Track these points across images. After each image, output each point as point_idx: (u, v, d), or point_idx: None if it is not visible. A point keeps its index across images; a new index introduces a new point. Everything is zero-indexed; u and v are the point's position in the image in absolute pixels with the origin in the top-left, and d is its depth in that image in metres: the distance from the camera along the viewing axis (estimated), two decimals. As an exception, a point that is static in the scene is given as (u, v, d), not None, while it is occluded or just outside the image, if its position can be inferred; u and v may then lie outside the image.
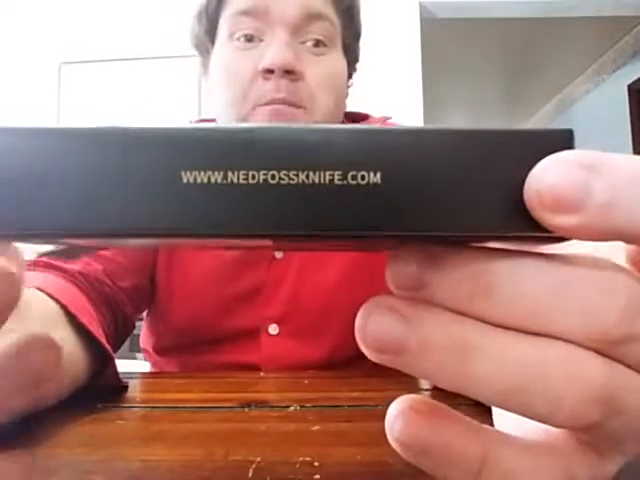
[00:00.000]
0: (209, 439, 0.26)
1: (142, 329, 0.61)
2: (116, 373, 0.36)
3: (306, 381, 0.40)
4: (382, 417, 0.12)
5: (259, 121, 0.49)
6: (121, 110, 2.17)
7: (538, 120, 4.33)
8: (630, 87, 3.01)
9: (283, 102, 0.48)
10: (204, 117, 0.67)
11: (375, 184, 0.11)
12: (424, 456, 0.12)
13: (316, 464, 0.21)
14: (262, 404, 0.33)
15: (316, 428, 0.27)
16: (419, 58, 2.10)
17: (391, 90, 2.00)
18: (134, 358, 1.44)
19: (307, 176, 0.11)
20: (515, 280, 0.11)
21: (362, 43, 0.59)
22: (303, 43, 0.50)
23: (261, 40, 0.49)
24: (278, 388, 0.41)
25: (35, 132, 0.11)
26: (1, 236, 0.11)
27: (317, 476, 0.20)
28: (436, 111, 3.94)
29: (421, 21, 2.13)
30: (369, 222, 0.11)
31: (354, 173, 0.11)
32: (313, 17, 0.49)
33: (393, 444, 0.12)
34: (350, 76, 0.58)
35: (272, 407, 0.32)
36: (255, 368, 0.52)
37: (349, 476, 0.21)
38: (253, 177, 0.11)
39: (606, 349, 0.11)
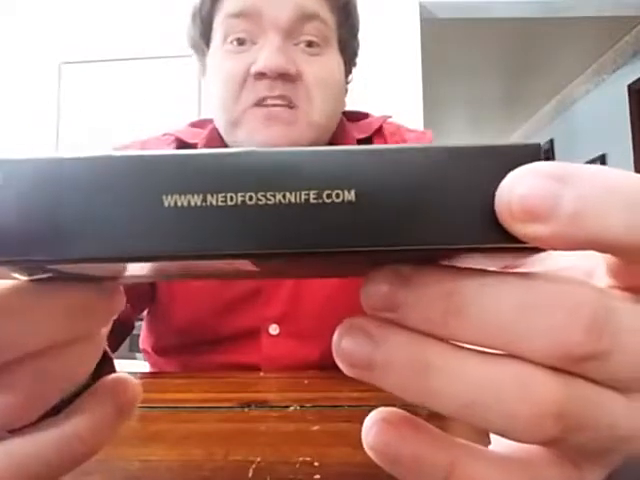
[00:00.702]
0: (209, 439, 0.26)
1: (142, 329, 0.61)
2: (112, 367, 0.36)
3: (306, 381, 0.40)
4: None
5: (252, 124, 0.49)
6: (121, 110, 2.17)
7: (538, 120, 4.33)
8: (630, 87, 3.01)
9: (279, 100, 0.48)
10: (203, 117, 0.67)
11: (350, 202, 0.11)
12: (395, 464, 0.12)
13: (316, 464, 0.21)
14: (262, 404, 0.33)
15: (316, 428, 0.27)
16: (419, 58, 2.10)
17: (391, 90, 2.00)
18: (134, 358, 1.44)
19: (283, 196, 0.11)
20: (483, 300, 0.11)
21: (362, 43, 0.59)
22: (297, 45, 0.49)
23: (254, 43, 0.49)
24: (278, 388, 0.41)
25: (12, 162, 0.12)
26: None
27: (317, 476, 0.20)
28: (436, 111, 3.94)
29: (421, 21, 2.13)
30: (345, 239, 0.11)
31: (329, 192, 0.11)
32: (305, 19, 0.49)
33: (368, 452, 0.13)
34: (350, 72, 0.58)
35: (272, 407, 0.32)
36: (255, 368, 0.52)
37: (349, 476, 0.21)
38: (231, 199, 0.11)
39: (569, 367, 0.11)
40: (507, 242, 0.11)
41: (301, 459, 0.22)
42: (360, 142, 0.57)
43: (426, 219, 0.11)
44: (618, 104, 3.09)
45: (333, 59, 0.52)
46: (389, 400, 0.13)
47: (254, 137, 0.49)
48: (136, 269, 0.13)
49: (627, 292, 0.13)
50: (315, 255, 0.11)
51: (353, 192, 0.11)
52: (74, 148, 2.17)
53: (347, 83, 0.58)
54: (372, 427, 0.13)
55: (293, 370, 0.50)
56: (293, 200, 0.11)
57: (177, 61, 2.13)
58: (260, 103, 0.48)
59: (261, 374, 0.46)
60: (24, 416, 0.13)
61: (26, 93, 2.24)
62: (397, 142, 0.59)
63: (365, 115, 0.64)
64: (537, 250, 0.11)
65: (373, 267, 0.12)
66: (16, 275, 0.13)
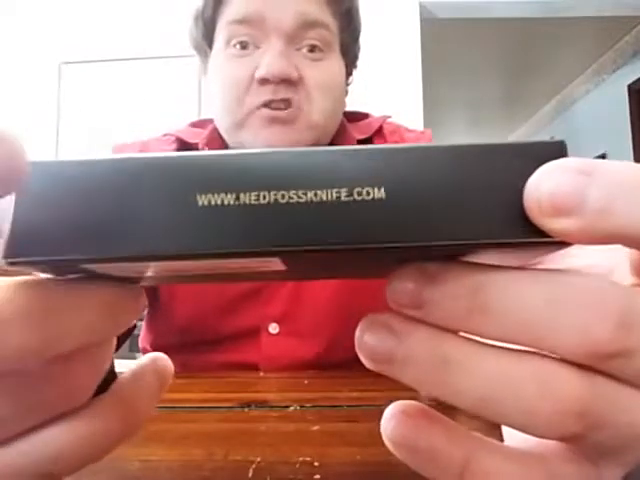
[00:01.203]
0: (209, 439, 0.26)
1: (142, 328, 0.61)
2: (114, 373, 0.36)
3: (306, 381, 0.41)
4: (382, 417, 0.13)
5: (255, 125, 0.50)
6: (121, 110, 2.17)
7: (538, 120, 4.33)
8: (630, 87, 3.01)
9: (281, 103, 0.48)
10: (203, 117, 0.67)
11: (380, 199, 0.11)
12: (412, 455, 0.13)
13: (316, 464, 0.21)
14: (262, 404, 0.33)
15: (316, 428, 0.27)
16: (419, 58, 2.10)
17: (391, 90, 2.00)
18: (134, 358, 1.44)
19: (315, 194, 0.11)
20: (509, 296, 0.11)
21: (362, 43, 0.59)
22: (299, 50, 0.50)
23: (257, 47, 0.50)
24: (278, 388, 0.41)
25: (49, 165, 0.12)
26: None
27: (317, 476, 0.20)
28: (436, 111, 3.94)
29: (421, 21, 2.12)
30: (376, 235, 0.11)
31: (359, 189, 0.11)
32: (308, 25, 0.49)
33: (386, 442, 0.13)
34: (350, 74, 0.58)
35: (272, 407, 0.32)
36: (254, 367, 0.52)
37: (349, 476, 0.21)
38: (264, 197, 0.11)
39: (596, 364, 0.11)
40: (535, 237, 0.11)
41: (301, 459, 0.22)
42: (360, 143, 0.58)
43: (455, 215, 0.11)
44: (618, 104, 3.09)
45: (335, 63, 0.53)
46: (389, 400, 0.13)
47: (257, 138, 0.50)
48: (161, 270, 0.13)
49: None
50: (346, 252, 0.12)
51: (383, 189, 0.11)
52: (74, 148, 2.17)
53: (347, 85, 0.58)
54: (391, 419, 0.13)
55: (292, 369, 0.51)
56: (325, 198, 0.11)
57: (177, 61, 2.13)
58: (264, 106, 0.49)
59: (261, 374, 0.46)
60: (49, 415, 0.13)
61: (26, 93, 2.24)
62: (396, 141, 0.59)
63: (365, 115, 0.64)
64: (564, 244, 0.11)
65: (399, 265, 0.12)
66: (43, 276, 0.13)
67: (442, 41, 2.81)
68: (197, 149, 0.56)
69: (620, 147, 3.06)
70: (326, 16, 0.51)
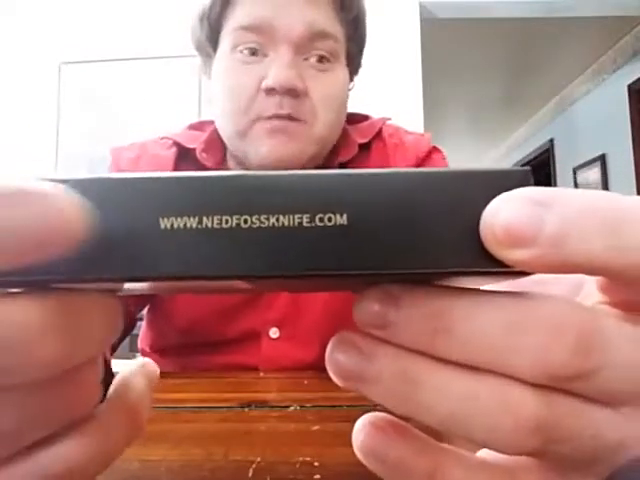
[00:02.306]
0: (209, 439, 0.26)
1: (141, 329, 0.61)
2: (111, 373, 0.36)
3: (306, 381, 0.41)
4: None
5: (258, 136, 0.49)
6: (121, 110, 2.17)
7: (538, 120, 4.33)
8: (630, 87, 3.01)
9: (285, 116, 0.48)
10: (203, 117, 0.67)
11: (342, 225, 0.12)
12: (380, 466, 0.13)
13: (316, 464, 0.21)
14: (262, 404, 0.33)
15: (316, 428, 0.27)
16: (419, 58, 2.10)
17: (391, 90, 2.00)
18: (134, 358, 1.43)
19: (277, 219, 0.11)
20: (470, 321, 0.12)
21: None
22: (307, 59, 0.50)
23: (265, 55, 0.49)
24: (278, 388, 0.41)
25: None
26: None
27: (317, 476, 0.20)
28: (436, 111, 3.94)
29: (421, 21, 2.12)
30: (337, 262, 0.11)
31: (321, 215, 0.12)
32: (318, 36, 0.49)
33: (356, 453, 0.13)
34: (352, 80, 0.58)
35: (272, 407, 0.32)
36: (254, 370, 0.52)
37: (349, 476, 0.21)
38: (227, 222, 0.11)
39: (556, 385, 0.12)
40: (494, 266, 0.11)
41: (301, 459, 0.22)
42: (361, 146, 0.58)
43: (415, 243, 0.11)
44: (618, 104, 3.09)
45: (340, 74, 0.53)
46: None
47: (259, 148, 0.49)
48: (135, 285, 0.13)
49: (616, 308, 0.13)
50: (307, 277, 0.12)
51: (345, 216, 0.11)
52: (74, 148, 2.17)
53: (349, 90, 0.58)
54: (361, 430, 0.13)
55: (291, 372, 0.51)
56: (286, 223, 0.11)
57: (177, 61, 2.13)
58: (269, 118, 0.49)
59: (261, 374, 0.46)
60: (58, 425, 0.13)
61: (26, 93, 2.24)
62: (396, 144, 0.59)
63: (365, 117, 0.64)
64: (524, 274, 0.12)
65: (365, 285, 0.12)
66: None
67: (442, 41, 2.81)
68: (195, 154, 0.55)
69: (620, 147, 3.06)
70: (335, 26, 0.51)
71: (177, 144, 0.58)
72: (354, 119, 0.62)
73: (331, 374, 0.13)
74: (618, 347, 0.12)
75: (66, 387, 0.12)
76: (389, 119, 0.63)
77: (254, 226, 0.11)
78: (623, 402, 0.12)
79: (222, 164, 0.57)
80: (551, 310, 0.11)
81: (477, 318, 0.12)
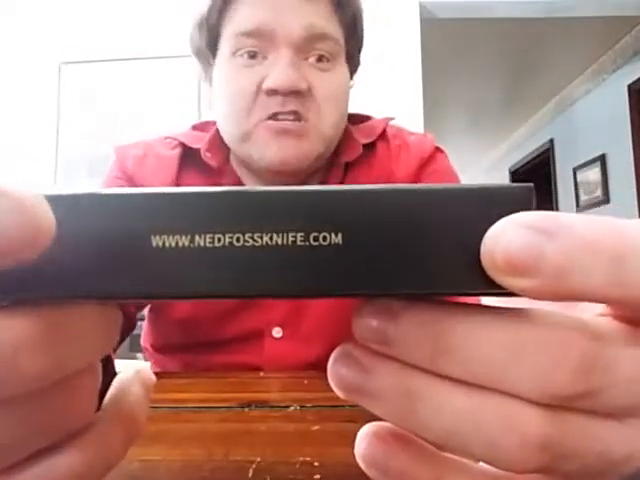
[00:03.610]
0: (209, 439, 0.26)
1: (143, 328, 0.61)
2: (114, 373, 0.36)
3: (306, 381, 0.41)
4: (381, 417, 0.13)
5: (263, 137, 0.49)
6: (121, 110, 2.17)
7: (538, 120, 4.33)
8: (630, 87, 3.00)
9: (290, 115, 0.48)
10: (203, 118, 0.67)
11: (337, 244, 0.11)
12: (383, 476, 0.13)
13: (316, 464, 0.21)
14: (262, 404, 0.33)
15: (316, 428, 0.27)
16: (419, 58, 2.10)
17: (391, 90, 2.00)
18: (134, 358, 1.44)
19: (270, 238, 0.11)
20: (470, 342, 0.11)
21: (362, 43, 0.59)
22: (307, 59, 0.50)
23: (265, 57, 0.49)
24: (278, 388, 0.41)
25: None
26: None
27: (317, 476, 0.20)
28: (436, 111, 3.94)
29: (421, 21, 2.12)
30: (331, 282, 0.11)
31: (316, 234, 0.11)
32: (317, 37, 0.49)
33: (358, 461, 0.13)
34: (351, 79, 0.58)
35: (272, 407, 0.32)
36: (256, 369, 0.52)
37: (349, 476, 0.21)
38: (219, 240, 0.11)
39: (559, 404, 0.11)
40: (493, 289, 0.11)
41: (301, 459, 0.22)
42: (365, 147, 0.58)
43: (413, 264, 0.11)
44: (618, 104, 3.09)
45: (341, 73, 0.53)
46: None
47: (265, 151, 0.49)
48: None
49: (619, 321, 0.13)
50: (300, 297, 0.12)
51: (340, 235, 0.11)
52: (74, 148, 2.17)
53: (350, 88, 0.58)
54: (363, 440, 0.13)
55: (294, 371, 0.51)
56: (280, 242, 0.11)
57: (177, 61, 2.13)
58: (271, 118, 0.48)
59: (261, 374, 0.46)
60: (59, 434, 0.13)
61: (26, 93, 2.24)
62: (399, 145, 0.59)
63: (367, 117, 0.64)
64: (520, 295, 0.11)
65: (362, 300, 0.12)
66: None
67: (442, 41, 2.81)
68: (200, 154, 0.55)
69: (620, 147, 3.06)
70: (334, 27, 0.51)
71: (181, 144, 0.58)
72: (356, 119, 0.63)
73: (332, 386, 0.13)
74: (621, 364, 0.11)
75: (60, 397, 0.12)
76: (392, 119, 0.63)
77: (247, 244, 0.11)
78: (629, 415, 0.12)
79: (226, 164, 0.57)
80: (553, 331, 0.11)
81: (478, 338, 0.11)
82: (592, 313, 0.14)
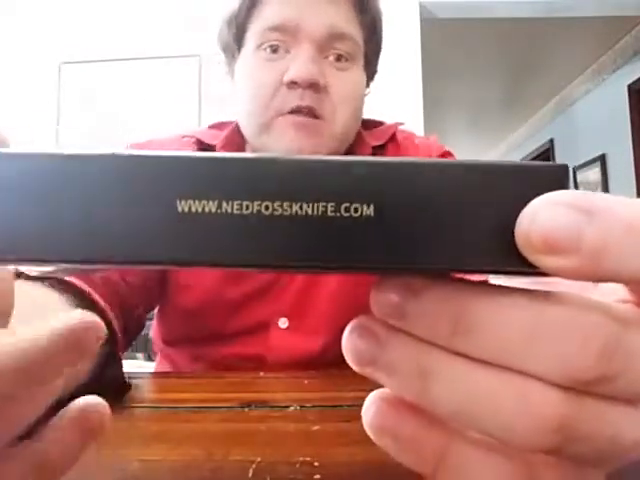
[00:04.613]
0: (209, 439, 0.26)
1: (152, 324, 0.62)
2: (122, 373, 0.36)
3: (306, 381, 0.41)
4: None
5: (281, 129, 0.51)
6: (121, 110, 2.17)
7: (538, 120, 4.33)
8: (630, 87, 3.00)
9: (307, 111, 0.50)
10: (203, 117, 0.69)
11: (368, 217, 0.11)
12: (391, 442, 0.13)
13: (316, 464, 0.21)
14: (262, 404, 0.33)
15: (316, 428, 0.27)
16: (419, 58, 2.10)
17: (391, 90, 2.00)
18: (135, 358, 1.44)
19: (300, 207, 0.11)
20: (494, 323, 0.11)
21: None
22: (326, 57, 0.52)
23: (287, 52, 0.52)
24: (278, 388, 0.41)
25: (28, 157, 0.11)
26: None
27: (317, 476, 0.20)
28: (436, 111, 3.94)
29: (421, 21, 2.12)
30: (361, 256, 0.11)
31: (347, 205, 0.11)
32: (338, 36, 0.52)
33: (366, 428, 0.13)
34: (368, 86, 0.61)
35: (272, 407, 0.32)
36: (262, 359, 0.53)
37: (349, 476, 0.21)
38: (247, 207, 0.11)
39: (577, 387, 0.11)
40: (525, 268, 0.11)
41: (301, 459, 0.22)
42: (375, 149, 0.60)
43: (445, 240, 0.11)
44: (618, 104, 3.09)
45: (358, 74, 0.56)
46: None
47: (281, 143, 0.51)
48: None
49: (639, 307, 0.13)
50: (328, 269, 0.11)
51: (372, 207, 0.11)
52: (74, 148, 2.17)
53: (365, 95, 0.60)
54: (371, 406, 0.13)
55: (299, 361, 0.52)
56: (310, 212, 0.11)
57: (177, 61, 2.13)
58: (290, 111, 0.50)
59: (261, 374, 0.46)
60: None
61: (26, 93, 2.24)
62: (408, 147, 0.62)
63: (379, 123, 0.66)
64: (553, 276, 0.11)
65: (384, 274, 0.12)
66: (10, 266, 0.13)
67: (442, 41, 2.81)
68: (214, 150, 0.56)
69: (620, 147, 3.06)
70: (354, 28, 0.54)
71: (198, 141, 0.60)
72: (369, 124, 0.65)
73: (347, 357, 0.13)
74: None
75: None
76: (402, 124, 0.65)
77: (276, 213, 0.11)
78: None
79: None
80: (577, 313, 0.11)
81: (499, 317, 0.11)
82: (613, 299, 0.14)
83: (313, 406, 0.32)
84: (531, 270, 0.11)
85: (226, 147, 0.58)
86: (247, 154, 0.11)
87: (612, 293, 0.14)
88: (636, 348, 0.11)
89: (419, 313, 0.12)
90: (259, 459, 0.22)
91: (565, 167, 0.11)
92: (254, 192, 0.11)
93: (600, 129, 3.35)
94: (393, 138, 0.63)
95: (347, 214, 0.11)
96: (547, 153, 4.20)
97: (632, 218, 0.10)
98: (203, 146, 0.59)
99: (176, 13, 2.16)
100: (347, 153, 0.58)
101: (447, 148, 0.63)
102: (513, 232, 0.11)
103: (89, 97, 2.20)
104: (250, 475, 0.20)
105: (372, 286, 0.12)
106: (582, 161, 3.54)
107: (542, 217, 0.10)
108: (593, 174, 3.39)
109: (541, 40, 2.94)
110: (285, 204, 0.11)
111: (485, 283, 0.12)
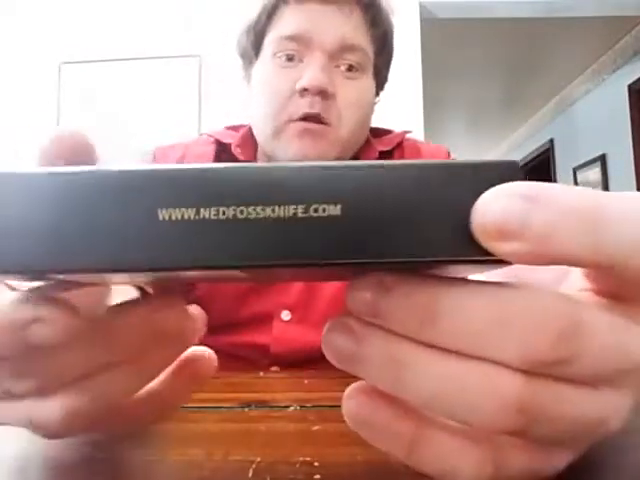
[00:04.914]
0: (209, 439, 0.26)
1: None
2: None
3: (306, 381, 0.41)
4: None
5: (291, 134, 0.54)
6: (121, 110, 2.17)
7: (538, 120, 4.33)
8: (630, 87, 3.01)
9: (315, 118, 0.53)
10: (203, 117, 0.72)
11: (335, 215, 0.12)
12: (367, 430, 0.14)
13: (316, 464, 0.21)
14: (262, 404, 0.33)
15: (316, 428, 0.27)
16: (419, 58, 2.10)
17: (391, 90, 2.00)
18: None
19: (273, 210, 0.12)
20: (457, 312, 0.12)
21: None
22: (337, 67, 0.55)
23: (300, 61, 0.55)
24: (278, 388, 0.41)
25: (14, 176, 0.12)
26: None
27: (317, 476, 0.20)
28: (436, 111, 3.94)
29: (421, 21, 2.12)
30: (331, 251, 0.12)
31: (316, 206, 0.12)
32: (348, 47, 0.55)
33: (346, 419, 0.14)
34: (378, 94, 0.65)
35: (272, 407, 0.32)
36: (266, 349, 0.56)
37: (349, 476, 0.21)
38: (223, 213, 0.12)
39: (539, 370, 0.12)
40: (482, 255, 0.12)
41: (301, 459, 0.22)
42: (382, 154, 0.63)
43: (407, 233, 0.12)
44: (618, 104, 3.09)
45: (367, 84, 0.59)
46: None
47: (289, 148, 0.55)
48: (130, 277, 0.14)
49: (599, 295, 0.14)
50: (302, 267, 0.12)
51: (339, 207, 0.12)
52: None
53: (375, 104, 0.63)
54: (350, 397, 0.14)
55: (302, 353, 0.54)
56: (282, 214, 0.12)
57: (177, 61, 2.13)
58: (300, 119, 0.54)
59: (261, 374, 0.46)
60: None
61: (26, 93, 2.24)
62: (412, 154, 0.64)
63: (389, 131, 0.70)
64: (510, 263, 0.12)
65: (358, 274, 0.13)
66: (15, 282, 0.14)
67: (442, 41, 2.81)
68: (230, 148, 0.61)
69: (620, 147, 3.06)
70: (365, 40, 0.57)
71: (217, 141, 0.64)
72: (379, 132, 0.68)
73: (327, 355, 0.14)
74: (597, 334, 0.12)
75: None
76: (410, 132, 0.69)
77: (250, 217, 0.12)
78: (602, 381, 0.13)
79: (253, 159, 0.63)
80: (535, 301, 0.12)
81: (464, 309, 0.12)
82: (575, 289, 0.15)
83: (313, 406, 0.32)
84: (488, 258, 0.12)
85: (241, 146, 0.61)
86: (220, 164, 0.12)
87: (575, 283, 0.15)
88: (591, 332, 0.12)
89: (391, 308, 0.13)
90: (259, 459, 0.22)
91: (515, 163, 0.12)
92: (229, 199, 0.12)
93: (600, 129, 3.35)
94: (400, 145, 0.66)
95: (316, 214, 0.12)
96: (547, 153, 4.20)
97: (573, 203, 0.11)
98: (220, 145, 0.63)
99: (176, 13, 2.16)
100: (354, 158, 0.61)
101: (453, 156, 0.66)
102: (469, 224, 0.12)
103: (89, 97, 2.20)
104: (250, 475, 0.20)
105: (346, 286, 0.13)
106: (582, 161, 3.54)
107: (493, 207, 0.11)
108: (593, 174, 3.39)
109: (541, 40, 2.94)
110: (258, 208, 0.12)
111: (451, 278, 0.13)
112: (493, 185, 0.12)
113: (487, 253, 0.12)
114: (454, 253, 0.12)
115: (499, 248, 0.11)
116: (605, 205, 0.12)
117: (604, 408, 0.13)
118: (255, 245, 0.12)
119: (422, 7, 2.13)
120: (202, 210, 0.12)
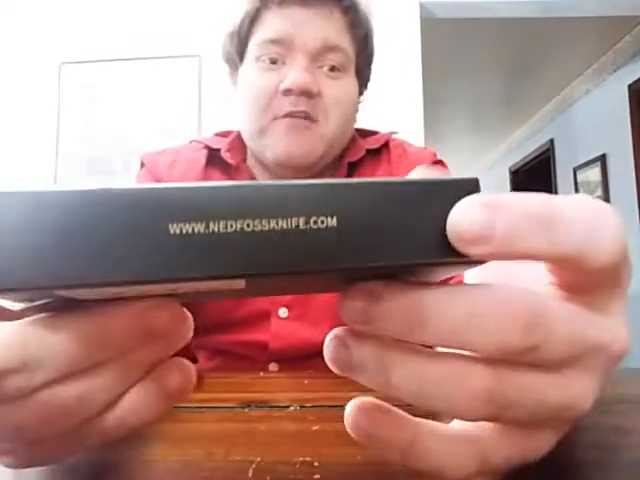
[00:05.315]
0: (209, 439, 0.26)
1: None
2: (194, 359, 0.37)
3: (306, 381, 0.41)
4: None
5: (277, 131, 0.56)
6: (121, 110, 2.17)
7: (538, 120, 4.33)
8: (630, 87, 3.00)
9: (301, 114, 0.55)
10: (203, 117, 0.73)
11: (332, 227, 0.13)
12: (367, 440, 0.16)
13: (316, 464, 0.21)
14: (262, 404, 0.33)
15: (316, 428, 0.27)
16: (419, 58, 2.10)
17: (391, 90, 2.00)
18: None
19: (277, 223, 0.13)
20: (442, 313, 0.14)
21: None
22: (320, 67, 0.57)
23: (284, 63, 0.57)
24: (278, 388, 0.41)
25: (26, 196, 0.13)
26: None
27: (317, 476, 0.20)
28: (436, 111, 3.94)
29: (421, 21, 2.12)
30: (330, 258, 0.13)
31: (315, 218, 0.13)
32: (330, 48, 0.57)
33: (348, 430, 0.16)
34: (362, 94, 0.66)
35: (272, 407, 0.32)
36: (264, 345, 0.57)
37: (349, 476, 0.21)
38: (231, 226, 0.13)
39: (511, 358, 0.14)
40: (458, 257, 0.14)
41: (301, 459, 0.22)
42: (368, 152, 0.65)
43: (395, 241, 0.14)
44: (618, 104, 3.09)
45: (350, 83, 0.61)
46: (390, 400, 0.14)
47: (276, 145, 0.56)
48: (140, 291, 0.14)
49: (561, 289, 0.16)
50: (304, 273, 0.13)
51: (335, 218, 0.13)
52: (74, 148, 2.17)
53: (358, 103, 0.65)
54: (350, 413, 0.16)
55: (300, 350, 0.55)
56: (285, 226, 0.13)
57: (177, 61, 2.13)
58: (285, 116, 0.55)
59: (261, 374, 0.46)
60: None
61: (26, 93, 2.24)
62: (399, 155, 0.66)
63: (374, 132, 0.72)
64: (483, 262, 0.14)
65: (349, 284, 0.14)
66: (15, 303, 0.15)
67: (442, 41, 2.81)
68: (220, 154, 0.62)
69: (620, 147, 3.06)
70: (346, 41, 0.59)
71: (206, 147, 0.65)
72: (365, 133, 0.70)
73: (328, 364, 0.16)
74: (558, 321, 0.14)
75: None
76: (396, 133, 0.70)
77: (256, 229, 0.13)
78: (566, 365, 0.15)
79: (243, 163, 0.64)
80: (503, 298, 0.14)
81: (448, 309, 0.14)
82: (542, 284, 0.17)
83: (313, 406, 0.32)
84: (464, 259, 0.14)
85: (230, 150, 0.63)
86: (229, 182, 0.13)
87: (542, 280, 0.17)
88: (554, 321, 0.14)
89: (382, 314, 0.14)
90: (259, 459, 0.22)
91: (476, 179, 0.14)
92: (236, 213, 0.13)
93: (600, 129, 3.35)
94: (386, 145, 0.67)
95: (315, 226, 0.13)
96: (547, 153, 4.20)
97: (529, 207, 0.14)
98: (210, 151, 0.64)
99: (176, 13, 2.16)
100: (341, 156, 0.63)
101: (441, 159, 0.67)
102: (445, 231, 0.14)
103: (89, 97, 2.20)
104: (250, 475, 0.20)
105: (338, 298, 0.15)
106: (582, 161, 3.54)
107: (462, 217, 0.13)
108: (593, 174, 3.39)
109: (541, 40, 2.94)
110: (263, 221, 0.13)
111: (434, 283, 0.15)
112: (460, 198, 0.14)
113: (462, 255, 0.14)
114: (434, 256, 0.14)
115: (471, 251, 0.13)
116: (557, 208, 0.14)
117: (569, 391, 0.15)
118: (261, 255, 0.13)
119: (422, 7, 2.13)
120: (211, 224, 0.13)
